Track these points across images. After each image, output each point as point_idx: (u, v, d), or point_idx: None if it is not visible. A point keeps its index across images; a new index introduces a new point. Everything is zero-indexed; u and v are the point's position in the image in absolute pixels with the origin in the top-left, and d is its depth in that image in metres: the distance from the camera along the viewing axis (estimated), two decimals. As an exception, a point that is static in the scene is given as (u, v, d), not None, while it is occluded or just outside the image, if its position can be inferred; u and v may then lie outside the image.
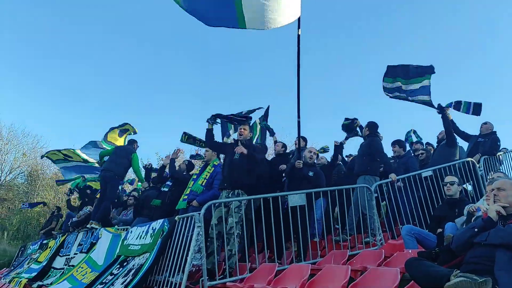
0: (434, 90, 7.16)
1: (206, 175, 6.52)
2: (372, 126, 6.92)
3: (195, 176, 6.86)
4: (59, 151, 11.63)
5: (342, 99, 41.64)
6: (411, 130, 9.58)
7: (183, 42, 42.60)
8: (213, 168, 6.58)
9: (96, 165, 11.29)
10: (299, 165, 5.99)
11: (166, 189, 7.80)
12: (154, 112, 41.69)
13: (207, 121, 6.13)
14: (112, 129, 10.41)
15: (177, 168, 7.87)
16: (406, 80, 7.41)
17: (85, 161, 11.53)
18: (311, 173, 6.09)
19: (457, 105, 7.33)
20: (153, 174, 9.63)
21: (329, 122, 38.85)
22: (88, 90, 41.39)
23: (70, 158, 11.65)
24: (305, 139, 7.09)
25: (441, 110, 6.99)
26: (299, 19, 5.90)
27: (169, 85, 42.82)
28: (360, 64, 41.86)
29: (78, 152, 11.62)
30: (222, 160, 6.64)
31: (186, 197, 6.53)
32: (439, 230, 4.49)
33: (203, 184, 6.44)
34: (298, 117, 6.12)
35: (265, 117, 8.49)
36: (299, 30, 5.93)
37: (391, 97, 7.63)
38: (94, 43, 40.31)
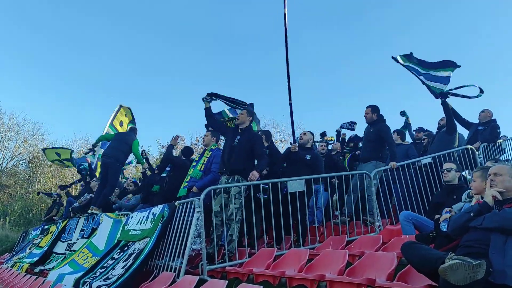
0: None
1: (204, 160, 6.51)
2: (378, 109, 6.76)
3: (194, 163, 6.88)
4: (55, 149, 11.84)
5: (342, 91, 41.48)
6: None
7: (188, 28, 42.24)
8: (210, 153, 6.53)
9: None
10: (295, 148, 6.01)
11: (165, 175, 7.84)
12: (155, 99, 41.68)
13: (203, 100, 6.11)
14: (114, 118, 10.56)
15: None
16: (424, 68, 7.34)
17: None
18: (308, 157, 6.11)
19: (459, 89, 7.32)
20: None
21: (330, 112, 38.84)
22: (89, 76, 41.28)
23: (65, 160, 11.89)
24: (312, 134, 7.04)
25: (442, 96, 6.95)
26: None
27: (170, 71, 42.58)
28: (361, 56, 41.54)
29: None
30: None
31: (186, 184, 6.55)
32: (437, 216, 4.51)
33: (202, 169, 6.44)
34: (290, 99, 6.10)
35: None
36: (285, 9, 6.13)
37: (402, 65, 7.37)
38: (95, 29, 40.08)
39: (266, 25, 40.40)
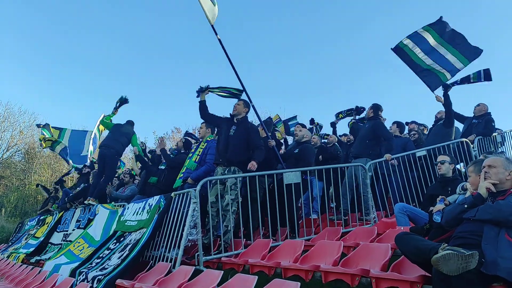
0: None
1: (200, 152, 6.52)
2: (377, 108, 6.88)
3: (190, 154, 6.88)
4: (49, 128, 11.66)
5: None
6: None
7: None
8: (205, 144, 6.53)
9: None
10: (271, 143, 6.15)
11: (163, 167, 7.84)
12: (153, 87, 41.57)
13: (197, 92, 6.11)
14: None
15: (175, 146, 7.88)
16: (441, 40, 6.95)
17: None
18: (296, 150, 6.16)
19: (465, 79, 7.25)
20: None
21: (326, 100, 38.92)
22: (87, 68, 41.06)
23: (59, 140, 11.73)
24: (304, 126, 7.07)
25: (446, 88, 6.94)
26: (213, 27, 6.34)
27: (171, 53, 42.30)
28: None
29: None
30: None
31: (181, 175, 6.57)
32: (431, 208, 4.55)
33: (197, 160, 6.45)
34: (251, 102, 6.23)
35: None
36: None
37: (405, 56, 7.14)
38: (91, 15, 39.74)
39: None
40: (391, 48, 7.19)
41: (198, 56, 43.17)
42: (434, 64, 6.96)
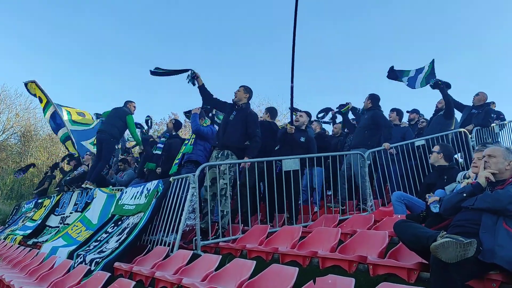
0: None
1: (194, 136, 6.62)
2: (375, 99, 6.85)
3: (186, 141, 6.93)
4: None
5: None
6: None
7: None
8: None
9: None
10: (292, 130, 6.02)
11: (159, 152, 7.81)
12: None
13: (188, 81, 6.12)
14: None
15: (165, 128, 7.95)
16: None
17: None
18: (302, 139, 6.14)
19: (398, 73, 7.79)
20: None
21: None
22: (81, 53, 40.63)
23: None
24: (309, 115, 7.01)
25: (436, 85, 6.97)
26: None
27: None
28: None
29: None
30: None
31: (177, 161, 6.58)
32: (427, 195, 4.59)
33: (192, 143, 6.57)
34: (292, 82, 6.11)
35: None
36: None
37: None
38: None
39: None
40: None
41: (195, 39, 42.71)
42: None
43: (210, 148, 6.43)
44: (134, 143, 10.84)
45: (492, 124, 7.39)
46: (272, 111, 7.03)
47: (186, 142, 6.86)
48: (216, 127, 7.02)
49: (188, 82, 6.11)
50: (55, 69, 40.27)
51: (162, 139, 8.02)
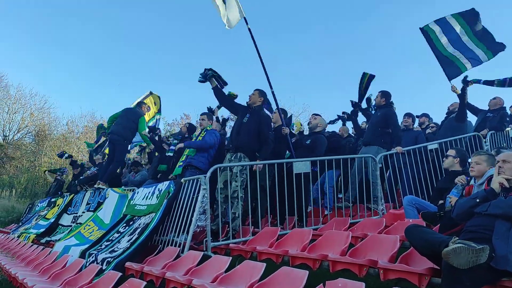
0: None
1: (199, 139, 6.65)
2: (387, 96, 6.80)
3: (194, 138, 6.99)
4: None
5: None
6: None
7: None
8: (205, 133, 6.63)
9: None
10: (285, 131, 6.19)
11: (170, 154, 7.88)
12: (162, 76, 41.55)
13: (203, 78, 6.08)
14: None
15: (176, 129, 7.97)
16: (470, 31, 7.03)
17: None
18: (308, 142, 6.17)
19: (489, 82, 7.22)
20: None
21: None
22: (97, 51, 41.11)
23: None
24: (285, 112, 7.10)
25: (465, 83, 6.86)
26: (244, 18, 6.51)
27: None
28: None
29: None
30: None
31: (181, 163, 6.61)
32: (441, 201, 4.55)
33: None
34: (271, 88, 6.34)
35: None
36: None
37: (429, 39, 7.25)
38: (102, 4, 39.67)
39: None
40: (420, 28, 7.27)
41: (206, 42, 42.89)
42: (455, 52, 6.98)
43: (214, 154, 6.53)
44: (137, 149, 11.02)
45: (507, 129, 7.29)
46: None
47: (194, 138, 6.93)
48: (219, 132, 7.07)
49: (202, 78, 6.09)
50: (72, 66, 40.82)
51: (174, 141, 8.08)
